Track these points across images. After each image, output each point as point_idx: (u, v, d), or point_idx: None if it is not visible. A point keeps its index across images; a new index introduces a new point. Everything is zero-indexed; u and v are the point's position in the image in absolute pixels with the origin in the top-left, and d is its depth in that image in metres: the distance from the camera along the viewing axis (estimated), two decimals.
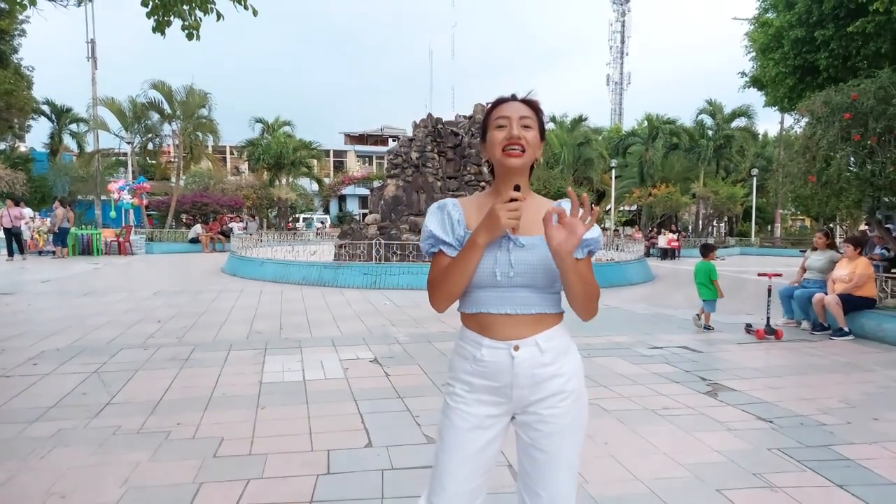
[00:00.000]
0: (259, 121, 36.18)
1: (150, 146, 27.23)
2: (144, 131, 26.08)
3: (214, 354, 5.87)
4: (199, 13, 4.65)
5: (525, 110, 1.65)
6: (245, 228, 23.94)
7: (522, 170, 1.67)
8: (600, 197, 40.56)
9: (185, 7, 4.56)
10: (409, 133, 17.40)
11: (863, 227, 15.59)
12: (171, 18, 4.55)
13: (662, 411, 4.34)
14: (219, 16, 4.84)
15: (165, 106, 25.58)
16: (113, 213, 23.35)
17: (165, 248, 22.38)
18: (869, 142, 8.71)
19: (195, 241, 22.93)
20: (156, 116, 26.00)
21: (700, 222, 35.06)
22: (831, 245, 8.31)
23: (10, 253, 17.40)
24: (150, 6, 4.51)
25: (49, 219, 19.63)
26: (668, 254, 24.87)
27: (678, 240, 25.79)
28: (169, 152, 30.96)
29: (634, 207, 38.92)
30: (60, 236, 18.65)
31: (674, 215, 34.48)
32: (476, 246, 1.56)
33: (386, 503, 2.85)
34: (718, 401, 4.65)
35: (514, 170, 1.65)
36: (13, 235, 17.45)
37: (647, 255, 24.37)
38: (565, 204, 1.68)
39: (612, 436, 3.82)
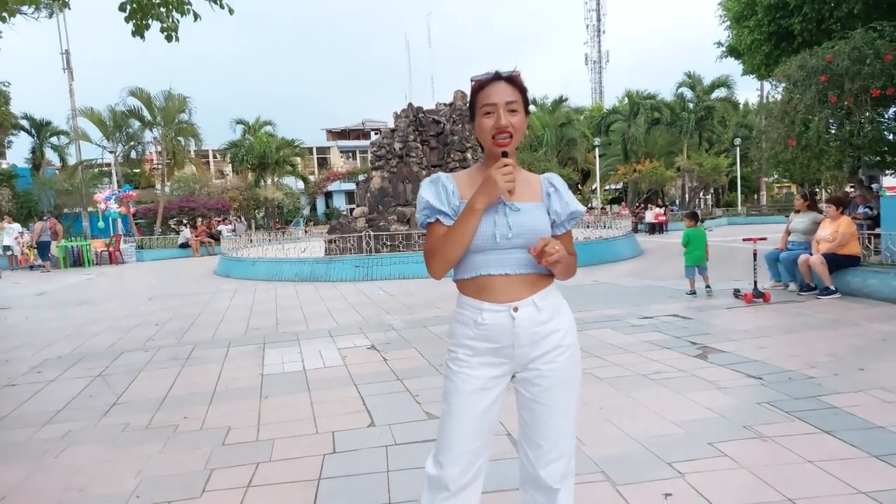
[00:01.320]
0: (240, 122, 35.94)
1: (132, 154, 27.07)
2: (126, 139, 25.92)
3: (214, 351, 5.95)
4: (176, 15, 4.69)
5: (510, 93, 1.72)
6: (233, 230, 23.89)
7: (511, 151, 1.76)
8: (585, 176, 40.69)
9: (163, 9, 4.59)
10: (391, 125, 17.42)
11: (847, 188, 15.79)
12: (150, 21, 4.59)
13: (654, 376, 4.47)
14: (196, 16, 4.88)
15: (145, 113, 25.41)
16: (101, 224, 23.24)
17: (156, 255, 22.33)
18: (846, 103, 8.86)
19: (185, 245, 22.88)
20: (136, 124, 25.85)
21: (686, 195, 35.30)
22: (812, 206, 8.46)
23: None
24: (127, 10, 4.54)
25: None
26: (655, 228, 25.08)
27: (665, 214, 26.02)
28: (152, 159, 30.80)
29: (620, 185, 39.06)
30: (42, 250, 18.54)
31: (660, 190, 34.69)
32: (475, 211, 1.64)
33: (391, 476, 2.95)
34: (709, 362, 4.79)
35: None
36: None
37: (636, 230, 24.58)
38: (554, 178, 1.87)
39: (606, 401, 3.94)
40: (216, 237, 23.45)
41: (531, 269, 1.73)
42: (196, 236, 23.27)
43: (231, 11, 4.89)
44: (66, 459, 3.37)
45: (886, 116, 9.46)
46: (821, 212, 8.46)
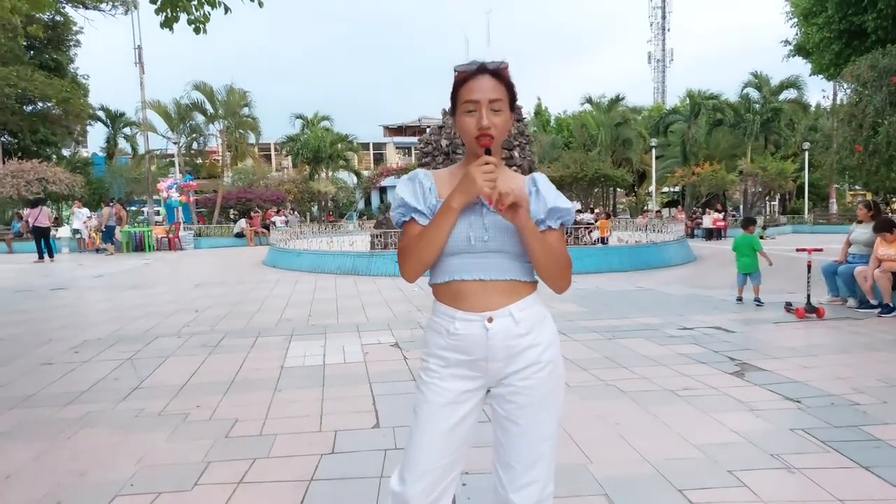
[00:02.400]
0: (299, 116, 36.75)
1: (194, 145, 28.10)
2: (189, 131, 26.92)
3: (243, 341, 6.03)
4: (207, 7, 4.77)
5: (494, 90, 1.60)
6: (286, 222, 24.47)
7: (494, 150, 1.63)
8: (641, 178, 39.58)
9: (194, 2, 4.67)
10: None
11: None
12: (178, 14, 4.67)
13: (682, 392, 4.22)
14: (226, 9, 4.93)
15: (208, 106, 26.32)
16: (162, 211, 24.22)
17: (212, 243, 23.07)
18: None
19: (240, 235, 23.57)
20: (199, 116, 26.81)
21: (749, 200, 33.82)
22: (877, 217, 7.88)
23: (40, 255, 17.00)
24: (158, 3, 4.64)
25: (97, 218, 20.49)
26: (713, 234, 24.13)
27: (724, 219, 24.99)
28: (217, 151, 31.87)
29: (678, 188, 37.80)
30: (108, 234, 19.46)
31: (721, 194, 33.36)
32: (451, 210, 1.53)
33: (384, 482, 2.87)
34: (744, 381, 4.49)
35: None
36: (41, 236, 17.12)
37: (692, 235, 23.73)
38: (538, 178, 1.73)
39: (624, 416, 3.74)
40: (269, 228, 24.05)
41: (510, 275, 1.61)
42: (251, 226, 23.91)
43: (261, 4, 4.92)
44: (76, 442, 3.45)
45: None
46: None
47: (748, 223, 8.30)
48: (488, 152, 1.54)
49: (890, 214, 16.43)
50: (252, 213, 26.10)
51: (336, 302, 8.61)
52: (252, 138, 28.84)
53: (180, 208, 24.19)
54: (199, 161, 31.15)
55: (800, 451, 3.19)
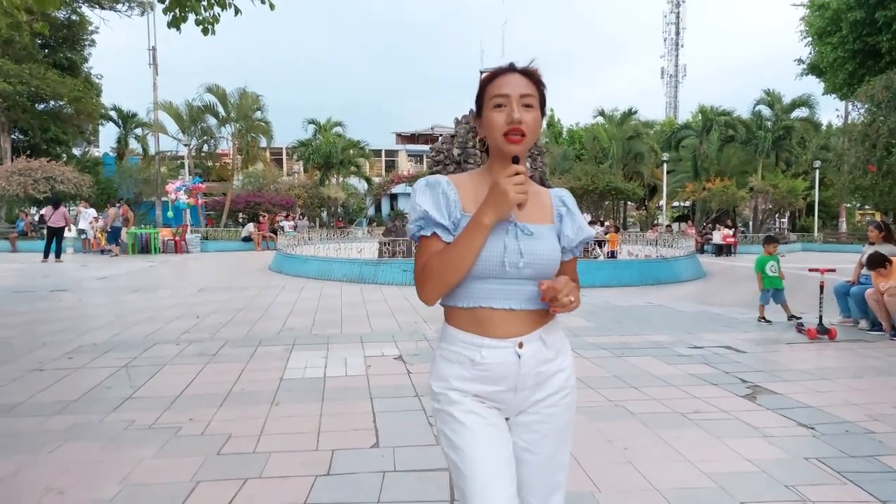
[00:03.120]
0: (312, 122, 36.84)
1: (205, 148, 28.17)
2: (200, 133, 27.00)
3: (242, 350, 5.92)
4: (217, 9, 4.71)
5: (525, 86, 1.49)
6: (295, 227, 24.43)
7: (522, 154, 1.52)
8: (652, 192, 39.41)
9: (203, 2, 4.61)
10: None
11: None
12: (186, 14, 4.62)
13: (693, 415, 4.09)
14: (237, 11, 4.86)
15: (220, 108, 26.41)
16: (170, 213, 24.24)
17: (220, 247, 23.03)
18: None
19: (248, 239, 23.54)
20: (211, 119, 26.89)
21: (759, 217, 33.54)
22: (888, 238, 7.73)
23: (45, 254, 16.86)
24: (166, 2, 4.58)
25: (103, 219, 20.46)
26: (723, 250, 23.90)
27: (734, 235, 24.75)
28: (227, 154, 31.97)
29: (688, 202, 37.58)
30: (113, 235, 19.42)
31: (731, 210, 33.11)
32: (482, 227, 1.39)
33: None
34: (756, 404, 4.35)
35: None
36: (54, 235, 16.95)
37: (701, 251, 23.50)
38: (566, 197, 1.64)
39: (632, 441, 3.60)
40: (277, 232, 24.02)
41: (539, 303, 1.49)
42: (259, 230, 23.89)
43: (272, 7, 4.84)
44: (60, 456, 3.33)
45: None
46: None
47: (767, 242, 8.15)
48: (516, 161, 1.42)
49: None
50: (261, 217, 26.10)
51: (341, 311, 8.50)
52: (263, 142, 28.92)
53: (188, 211, 24.19)
54: (210, 164, 31.24)
55: (815, 483, 3.08)
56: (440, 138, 17.03)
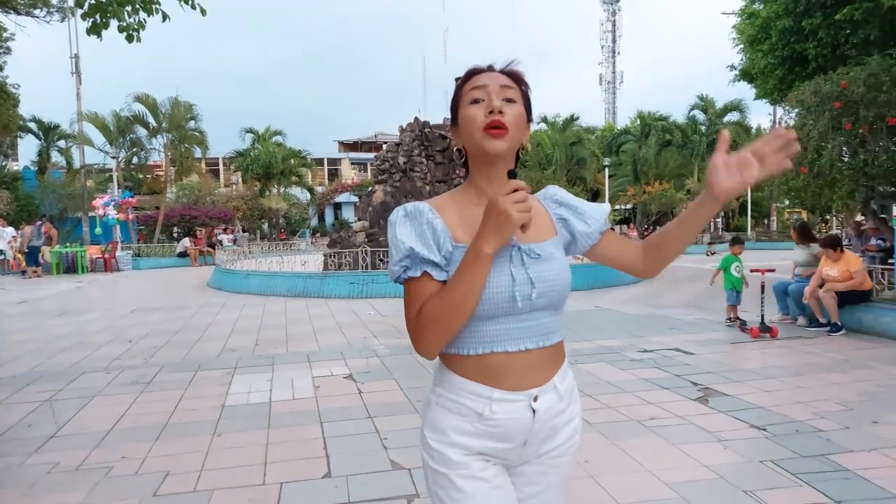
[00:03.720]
0: (249, 131, 35.87)
1: (135, 160, 26.92)
2: (129, 145, 25.80)
3: (180, 376, 5.58)
4: (142, 14, 4.41)
5: (506, 80, 1.29)
6: (235, 241, 23.61)
7: (508, 156, 1.29)
8: (595, 196, 40.33)
9: (127, 8, 4.31)
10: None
11: (859, 217, 15.34)
12: (108, 20, 4.30)
13: (650, 422, 4.08)
14: (164, 16, 4.58)
15: (150, 119, 25.31)
16: (98, 230, 23.03)
17: (153, 264, 22.03)
18: (860, 130, 8.48)
19: (184, 254, 22.62)
20: (141, 130, 25.74)
21: None
22: (807, 238, 8.10)
23: None
24: (84, 7, 4.26)
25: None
26: None
27: None
28: (160, 166, 30.72)
29: (630, 206, 38.67)
30: (31, 255, 18.13)
31: (670, 212, 34.23)
32: (484, 258, 1.16)
33: None
34: (709, 408, 4.39)
35: (496, 157, 1.27)
36: None
37: None
38: (557, 194, 1.45)
39: (593, 453, 3.54)
40: (215, 247, 23.20)
41: (557, 336, 1.32)
42: (196, 245, 23.00)
43: (203, 13, 4.60)
44: None
45: None
46: (817, 242, 8.08)
47: (735, 242, 8.24)
48: (512, 175, 1.18)
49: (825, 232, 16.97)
50: (197, 232, 25.16)
51: (286, 328, 8.18)
52: (198, 153, 27.89)
53: (118, 226, 23.04)
54: (141, 176, 29.86)
55: (773, 486, 3.09)
56: (385, 146, 16.85)
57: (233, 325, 8.47)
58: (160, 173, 29.80)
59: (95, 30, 4.35)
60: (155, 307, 10.77)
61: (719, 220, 40.19)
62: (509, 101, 1.27)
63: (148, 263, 22.02)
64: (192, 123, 26.47)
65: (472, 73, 1.32)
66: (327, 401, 4.70)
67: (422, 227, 1.25)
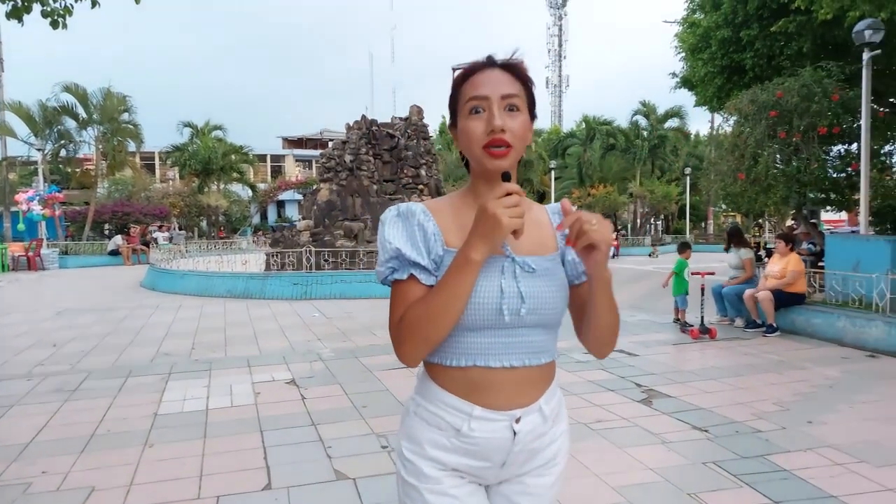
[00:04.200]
0: (187, 125, 34.52)
1: (63, 153, 25.47)
2: (57, 137, 24.40)
3: (109, 383, 5.27)
4: (70, 0, 4.10)
5: (508, 84, 1.20)
6: (171, 239, 22.65)
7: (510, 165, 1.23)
8: (541, 199, 40.92)
9: None
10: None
11: (790, 222, 16.10)
12: (31, 4, 3.98)
13: (595, 425, 4.09)
14: (94, 2, 4.27)
15: (80, 110, 24.00)
16: (21, 226, 21.71)
17: (82, 262, 20.94)
18: (794, 139, 8.86)
19: (115, 252, 21.58)
20: (70, 121, 24.37)
21: (638, 221, 35.82)
22: (738, 243, 8.42)
23: None
24: None
25: None
26: None
27: (616, 239, 26.20)
28: (91, 159, 29.23)
29: (575, 208, 39.40)
30: None
31: (613, 214, 35.08)
32: (471, 264, 1.10)
33: None
34: (653, 409, 4.46)
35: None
36: None
37: None
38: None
39: None
40: (150, 245, 22.24)
41: (546, 357, 1.25)
42: (129, 243, 21.99)
43: (137, 1, 4.32)
44: None
45: (832, 155, 9.53)
46: (749, 246, 8.41)
47: (686, 247, 8.36)
48: (507, 178, 1.13)
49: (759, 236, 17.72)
50: (130, 229, 24.07)
51: (224, 331, 7.87)
52: (132, 146, 26.65)
53: (44, 222, 21.77)
54: (69, 170, 28.23)
55: (716, 488, 3.14)
56: (331, 144, 16.57)
57: (167, 328, 8.10)
58: (91, 167, 28.29)
59: (16, 14, 4.01)
60: (83, 308, 10.20)
61: (660, 223, 41.51)
62: (512, 108, 1.19)
63: (76, 262, 20.92)
64: (125, 116, 25.26)
65: (471, 71, 1.23)
66: (268, 408, 4.52)
67: (412, 229, 1.21)
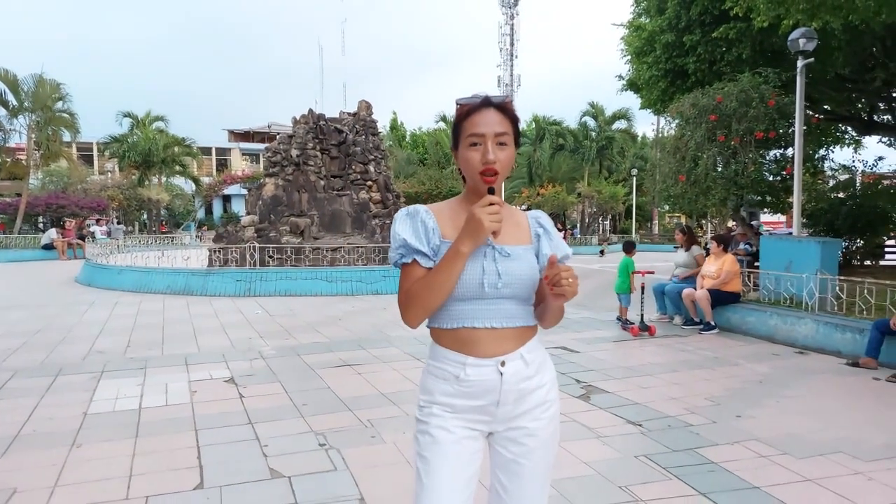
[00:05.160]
0: (127, 115, 33.21)
1: None
2: None
3: (37, 381, 5.04)
4: None
5: (500, 123, 1.55)
6: (109, 233, 21.74)
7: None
8: None
9: None
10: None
11: (730, 223, 16.71)
12: None
13: None
14: None
15: (10, 97, 22.77)
16: None
17: (13, 256, 19.89)
18: (732, 142, 9.19)
19: (49, 247, 20.62)
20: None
21: (586, 220, 36.54)
22: (691, 241, 8.64)
23: None
24: None
25: None
26: None
27: (564, 237, 26.59)
28: (23, 149, 27.81)
29: (524, 207, 39.96)
30: None
31: (562, 214, 35.67)
32: (460, 255, 1.48)
33: None
34: (591, 404, 4.56)
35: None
36: None
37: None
38: (542, 218, 1.72)
39: None
40: (86, 239, 21.32)
41: (519, 321, 1.60)
42: (64, 237, 21.04)
43: None
44: None
45: (768, 158, 9.93)
46: (703, 246, 8.66)
47: (629, 247, 8.48)
48: (491, 192, 1.50)
49: (701, 236, 18.31)
50: (66, 222, 23.04)
51: (162, 329, 7.62)
52: (67, 136, 25.47)
53: None
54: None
55: (645, 481, 3.23)
56: (277, 137, 16.24)
57: (102, 325, 7.79)
58: (22, 157, 26.89)
59: None
60: (12, 304, 9.71)
61: (607, 222, 42.48)
62: (502, 144, 1.55)
63: (7, 256, 19.87)
64: (60, 104, 24.13)
65: (472, 109, 1.57)
66: (204, 406, 4.41)
67: (416, 224, 1.58)
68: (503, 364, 1.55)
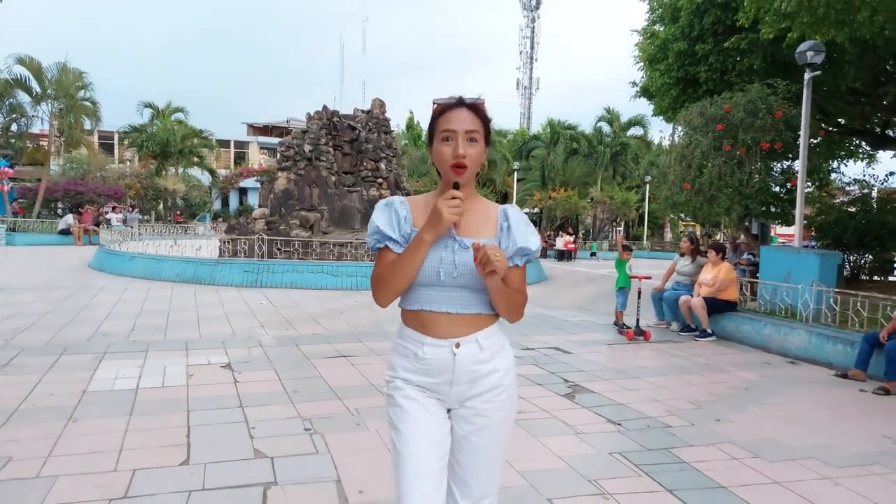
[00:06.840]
0: (148, 105, 33.67)
1: (14, 127, 24.60)
2: (8, 110, 23.57)
3: (41, 359, 5.23)
4: None
5: (471, 121, 1.67)
6: (125, 221, 22.12)
7: (467, 179, 1.72)
8: (504, 199, 41.26)
9: None
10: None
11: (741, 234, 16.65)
12: None
13: (516, 416, 4.24)
14: None
15: (35, 84, 23.25)
16: None
17: (31, 240, 20.37)
18: (738, 152, 9.21)
19: (66, 232, 21.03)
20: (24, 95, 23.55)
21: (597, 226, 36.47)
22: (697, 250, 8.66)
23: None
24: None
25: None
26: (564, 255, 25.61)
27: (574, 242, 26.63)
28: (45, 135, 28.32)
29: (536, 210, 39.92)
30: None
31: (575, 218, 35.62)
32: (423, 242, 1.62)
33: None
34: (574, 403, 4.64)
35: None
36: None
37: (544, 255, 25.00)
38: (510, 211, 1.79)
39: None
40: (101, 225, 21.67)
41: (475, 309, 1.71)
42: (81, 223, 21.44)
43: None
44: None
45: (775, 170, 9.93)
46: (705, 256, 8.68)
47: (628, 249, 8.58)
48: (456, 187, 1.63)
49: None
50: (83, 209, 23.45)
51: (168, 315, 7.83)
52: (89, 124, 25.92)
53: None
54: (20, 145, 27.32)
55: (615, 476, 3.32)
56: (291, 133, 16.46)
57: (110, 309, 8.02)
58: (44, 143, 27.42)
59: None
60: (25, 286, 9.99)
61: (620, 229, 42.33)
62: (472, 140, 1.67)
63: (25, 239, 20.33)
64: (82, 93, 24.57)
65: (446, 108, 1.70)
66: (198, 389, 4.57)
67: (390, 214, 1.73)
68: (458, 346, 1.68)
